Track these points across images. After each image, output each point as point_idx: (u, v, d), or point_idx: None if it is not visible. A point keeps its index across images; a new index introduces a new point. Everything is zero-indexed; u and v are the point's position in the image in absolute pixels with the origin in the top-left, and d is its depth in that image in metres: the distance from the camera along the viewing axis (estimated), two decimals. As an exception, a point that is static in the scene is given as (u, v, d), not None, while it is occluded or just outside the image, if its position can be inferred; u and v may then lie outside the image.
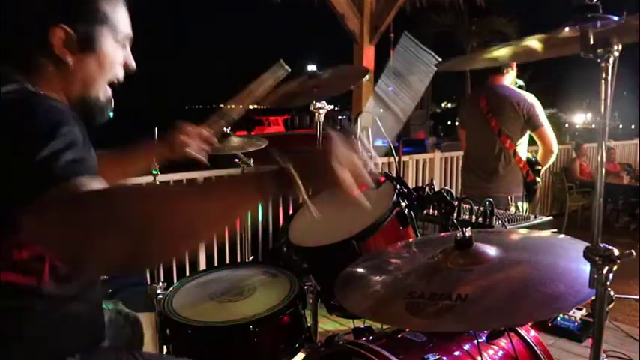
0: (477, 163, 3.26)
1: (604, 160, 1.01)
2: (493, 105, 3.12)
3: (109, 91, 1.20)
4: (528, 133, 3.14)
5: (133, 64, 1.22)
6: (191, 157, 1.54)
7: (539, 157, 3.20)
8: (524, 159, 3.15)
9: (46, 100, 1.02)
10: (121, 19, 1.17)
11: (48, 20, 1.06)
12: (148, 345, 1.71)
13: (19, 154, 0.87)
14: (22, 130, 0.91)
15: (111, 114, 1.22)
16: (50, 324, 1.09)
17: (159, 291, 1.77)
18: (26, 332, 1.06)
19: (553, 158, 3.23)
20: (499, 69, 3.13)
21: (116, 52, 1.17)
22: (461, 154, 3.92)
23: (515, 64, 3.18)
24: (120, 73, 1.20)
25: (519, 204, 3.12)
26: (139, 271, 1.17)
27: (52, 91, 1.10)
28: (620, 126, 28.16)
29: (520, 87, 3.20)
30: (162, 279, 1.93)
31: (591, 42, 0.96)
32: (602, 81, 0.97)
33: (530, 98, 3.09)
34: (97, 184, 0.88)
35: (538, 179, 3.17)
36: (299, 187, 0.93)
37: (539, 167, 3.18)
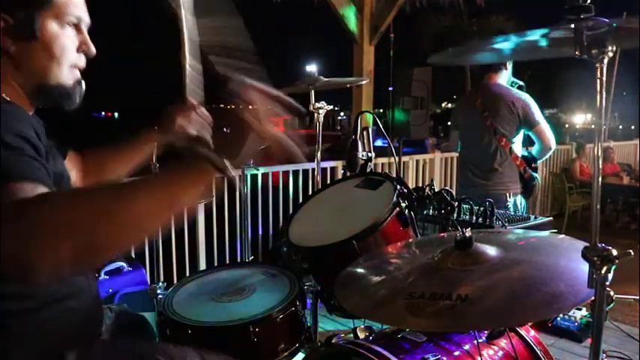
0: (473, 162, 3.27)
1: (600, 159, 1.01)
2: (488, 104, 3.14)
3: (75, 74, 1.17)
4: (523, 130, 3.15)
5: (91, 48, 1.18)
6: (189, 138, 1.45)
7: (534, 152, 3.20)
8: (520, 156, 3.16)
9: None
10: (70, 2, 1.12)
11: None
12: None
13: None
14: None
15: (78, 99, 1.18)
16: (45, 322, 1.08)
17: (159, 291, 1.77)
18: (19, 332, 1.05)
19: (550, 153, 3.23)
20: (494, 68, 3.14)
21: (63, 36, 1.12)
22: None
23: (507, 63, 3.19)
24: (77, 58, 1.16)
25: (517, 200, 3.12)
26: (89, 270, 1.14)
27: (5, 84, 1.08)
28: (620, 126, 28.17)
29: (520, 87, 3.20)
30: (162, 279, 1.92)
31: (585, 43, 0.97)
32: (598, 81, 0.98)
33: (524, 97, 3.10)
34: (39, 189, 0.86)
35: (536, 175, 3.18)
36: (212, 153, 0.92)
37: (536, 164, 3.19)
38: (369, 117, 2.96)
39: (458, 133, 3.46)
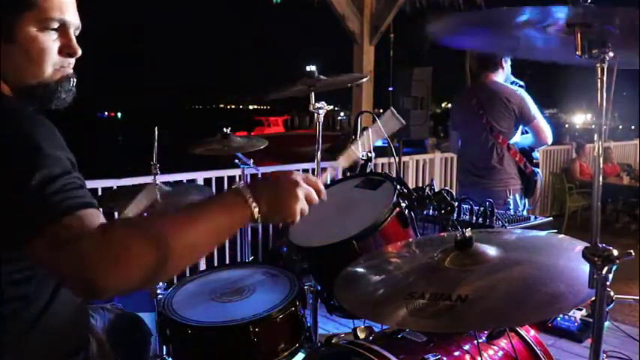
0: (471, 161, 3.27)
1: (601, 159, 1.01)
2: (484, 101, 3.13)
3: (63, 72, 1.15)
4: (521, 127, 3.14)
5: (76, 51, 1.16)
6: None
7: (529, 142, 3.19)
8: (518, 151, 3.15)
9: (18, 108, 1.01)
10: (55, 4, 1.11)
11: None
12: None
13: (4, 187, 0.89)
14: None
15: (65, 96, 1.17)
16: (31, 332, 1.06)
17: (159, 291, 1.77)
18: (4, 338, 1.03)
19: (545, 146, 3.24)
20: (490, 67, 3.14)
21: (44, 39, 1.11)
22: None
23: (504, 62, 3.19)
24: (60, 61, 1.14)
25: (517, 198, 3.11)
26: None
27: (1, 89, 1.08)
28: (620, 126, 28.16)
29: (520, 87, 3.20)
30: (162, 279, 1.93)
31: (586, 43, 0.97)
32: (598, 81, 0.98)
33: (520, 92, 3.09)
34: (92, 216, 0.91)
35: (538, 170, 3.17)
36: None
37: (537, 160, 3.18)
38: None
39: (457, 134, 3.46)
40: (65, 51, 1.15)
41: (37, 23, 1.09)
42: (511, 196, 3.09)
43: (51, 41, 1.12)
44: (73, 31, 1.17)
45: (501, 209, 2.57)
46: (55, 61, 1.14)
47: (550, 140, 3.14)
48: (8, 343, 1.03)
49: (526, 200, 3.19)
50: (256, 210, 1.01)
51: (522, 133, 3.22)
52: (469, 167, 3.28)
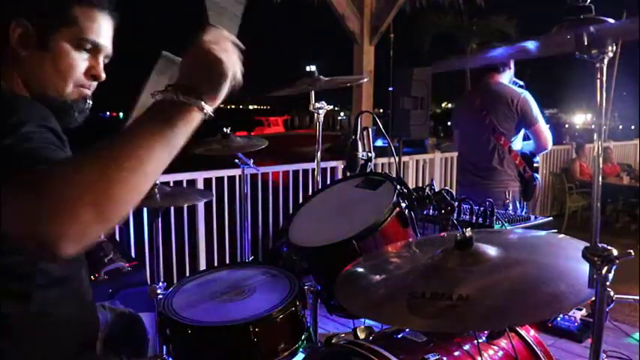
0: (472, 161, 3.27)
1: (601, 159, 1.01)
2: (487, 102, 3.13)
3: (81, 92, 1.19)
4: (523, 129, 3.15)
5: (100, 75, 1.21)
6: None
7: (531, 147, 3.19)
8: (519, 154, 3.15)
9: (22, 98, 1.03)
10: (94, 28, 1.16)
11: (10, 13, 1.08)
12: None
13: None
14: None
15: (78, 117, 1.20)
16: (38, 329, 1.07)
17: (159, 291, 1.77)
18: (11, 339, 1.04)
19: (545, 152, 3.24)
20: (497, 68, 3.14)
21: (75, 56, 1.16)
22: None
23: (512, 62, 3.18)
24: (83, 80, 1.19)
25: (516, 200, 3.11)
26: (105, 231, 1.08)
27: (16, 89, 1.11)
28: (620, 126, 28.16)
29: (520, 87, 3.20)
30: (162, 279, 1.92)
31: (585, 43, 0.97)
32: (598, 81, 0.98)
33: (524, 94, 3.09)
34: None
35: (537, 175, 3.17)
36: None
37: (537, 164, 3.18)
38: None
39: (458, 133, 3.46)
40: (90, 73, 1.19)
41: (73, 40, 1.14)
42: (510, 198, 3.09)
43: (81, 60, 1.17)
44: (103, 57, 1.21)
45: (500, 210, 2.57)
46: (79, 80, 1.18)
47: (550, 146, 3.15)
48: (14, 340, 1.04)
49: (525, 203, 3.19)
50: (193, 100, 0.87)
51: (524, 139, 3.22)
52: (469, 167, 3.29)
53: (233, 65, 0.90)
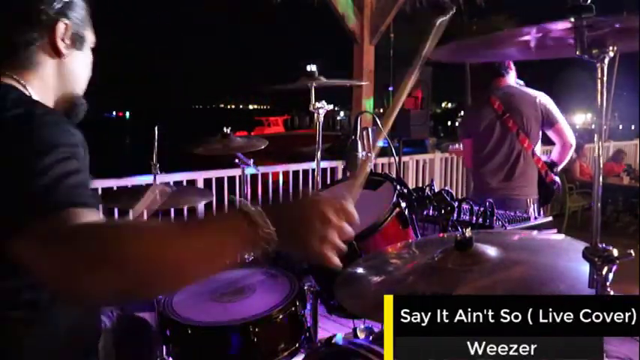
0: (491, 168, 3.17)
1: (601, 159, 1.01)
2: (508, 105, 3.06)
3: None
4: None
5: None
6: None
7: (555, 156, 3.15)
8: (542, 160, 3.12)
9: (47, 111, 1.02)
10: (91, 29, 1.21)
11: (57, 14, 1.09)
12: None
13: (17, 176, 0.87)
14: (21, 148, 0.90)
15: (82, 115, 1.22)
16: (40, 336, 1.05)
17: (159, 291, 1.77)
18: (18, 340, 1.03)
19: (571, 152, 3.18)
20: (501, 72, 3.11)
21: (90, 55, 1.21)
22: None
23: (512, 64, 3.17)
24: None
25: (535, 206, 3.07)
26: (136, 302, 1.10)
27: (44, 90, 1.11)
28: (620, 126, 28.14)
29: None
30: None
31: (586, 43, 0.97)
32: (598, 81, 0.98)
33: (544, 95, 3.08)
34: (91, 216, 0.86)
35: (557, 179, 3.14)
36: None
37: (557, 167, 3.15)
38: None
39: (471, 142, 3.35)
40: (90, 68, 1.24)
41: (90, 40, 1.20)
42: (532, 205, 3.06)
43: (90, 57, 1.23)
44: None
45: (501, 211, 2.56)
46: (89, 77, 1.23)
47: (574, 142, 3.09)
48: (20, 347, 1.03)
49: (542, 209, 3.17)
50: (264, 235, 0.86)
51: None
52: (488, 174, 3.18)
53: (322, 244, 0.91)
